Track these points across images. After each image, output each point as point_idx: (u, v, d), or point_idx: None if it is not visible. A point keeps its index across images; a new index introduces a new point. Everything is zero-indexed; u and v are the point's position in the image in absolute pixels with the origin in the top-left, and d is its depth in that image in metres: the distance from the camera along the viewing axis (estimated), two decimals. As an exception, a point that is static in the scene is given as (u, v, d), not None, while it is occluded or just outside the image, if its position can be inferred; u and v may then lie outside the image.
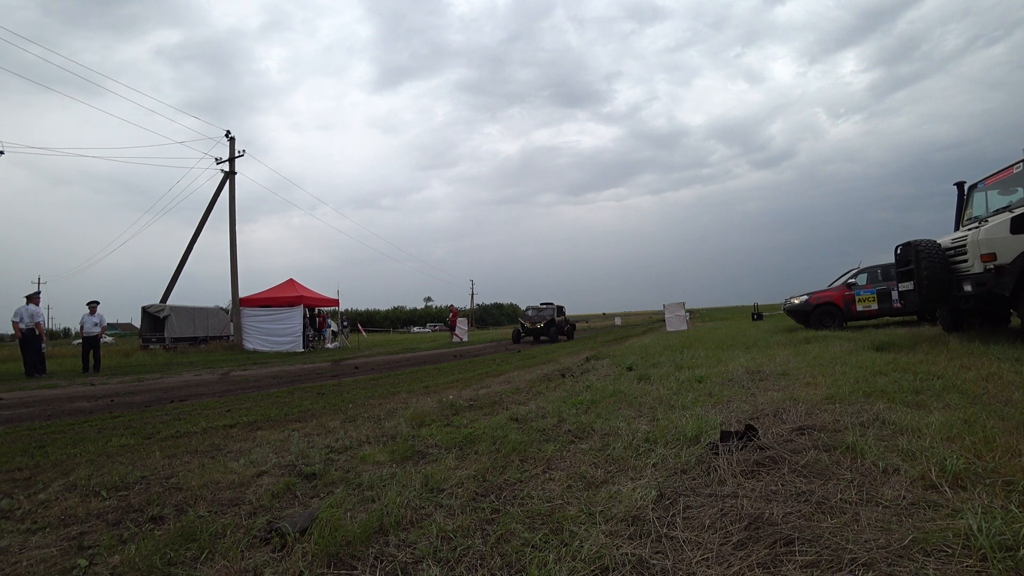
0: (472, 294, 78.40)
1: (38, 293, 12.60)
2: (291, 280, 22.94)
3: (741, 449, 2.73)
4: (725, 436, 2.89)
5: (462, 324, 29.00)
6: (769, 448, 2.73)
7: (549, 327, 23.33)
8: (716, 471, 2.52)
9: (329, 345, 23.85)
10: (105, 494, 2.88)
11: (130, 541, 2.19)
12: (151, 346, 20.76)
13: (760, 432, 2.97)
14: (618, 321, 63.45)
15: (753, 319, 29.38)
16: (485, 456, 3.13)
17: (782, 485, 2.29)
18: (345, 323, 29.86)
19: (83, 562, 2.02)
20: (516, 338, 23.82)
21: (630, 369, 7.15)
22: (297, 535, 2.02)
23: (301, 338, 20.55)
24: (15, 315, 11.94)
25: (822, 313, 13.65)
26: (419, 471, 2.87)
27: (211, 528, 2.19)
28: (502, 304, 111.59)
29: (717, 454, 2.71)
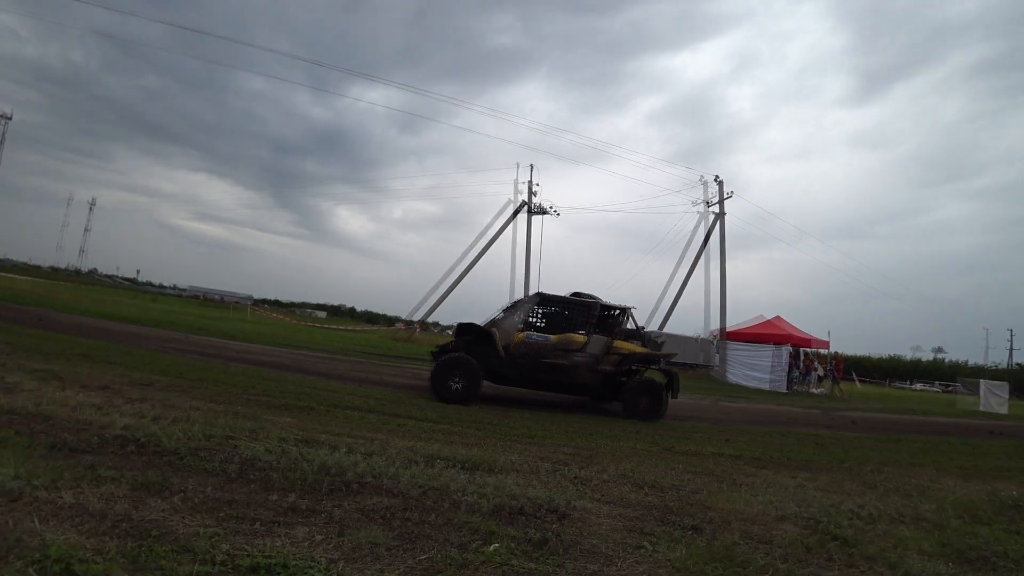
0: (1010, 348, 55.88)
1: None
2: (778, 317, 22.35)
3: None
4: None
5: (1000, 391, 21.40)
6: None
7: (468, 351, 7.28)
8: None
9: (814, 390, 21.90)
10: (647, 489, 3.43)
11: (678, 541, 2.51)
12: (647, 364, 23.97)
13: None
14: None
15: None
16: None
17: None
18: (830, 368, 26.79)
19: (647, 545, 2.43)
20: (438, 386, 6.95)
21: None
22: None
23: (785, 377, 19.68)
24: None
25: None
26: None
27: (753, 561, 2.27)
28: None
29: None
